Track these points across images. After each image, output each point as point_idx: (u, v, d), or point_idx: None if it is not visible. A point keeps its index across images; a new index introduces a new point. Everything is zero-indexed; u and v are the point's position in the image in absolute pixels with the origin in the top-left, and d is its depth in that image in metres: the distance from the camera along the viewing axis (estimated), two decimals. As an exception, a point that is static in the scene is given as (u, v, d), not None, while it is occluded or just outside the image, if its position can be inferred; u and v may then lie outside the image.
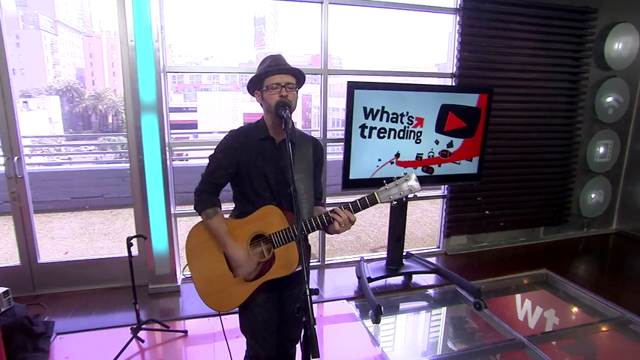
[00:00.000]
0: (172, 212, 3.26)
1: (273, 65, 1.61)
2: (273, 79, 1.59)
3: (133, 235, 2.61)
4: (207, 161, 1.72)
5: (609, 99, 4.40)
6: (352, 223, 1.61)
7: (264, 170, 1.66)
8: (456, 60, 3.83)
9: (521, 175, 4.31)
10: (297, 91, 1.67)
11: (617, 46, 4.25)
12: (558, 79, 4.18)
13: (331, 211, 1.60)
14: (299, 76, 1.66)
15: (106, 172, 6.93)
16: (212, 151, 1.74)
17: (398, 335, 3.17)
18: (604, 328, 3.12)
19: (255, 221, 1.67)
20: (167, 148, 3.12)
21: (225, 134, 1.73)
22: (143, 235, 2.81)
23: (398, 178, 1.61)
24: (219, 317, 2.02)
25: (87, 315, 2.98)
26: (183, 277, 1.83)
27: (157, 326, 2.79)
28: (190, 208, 3.41)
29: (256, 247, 1.69)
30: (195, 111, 33.80)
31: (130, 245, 2.49)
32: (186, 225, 4.90)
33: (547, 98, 4.18)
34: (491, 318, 3.09)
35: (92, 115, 42.91)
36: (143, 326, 2.71)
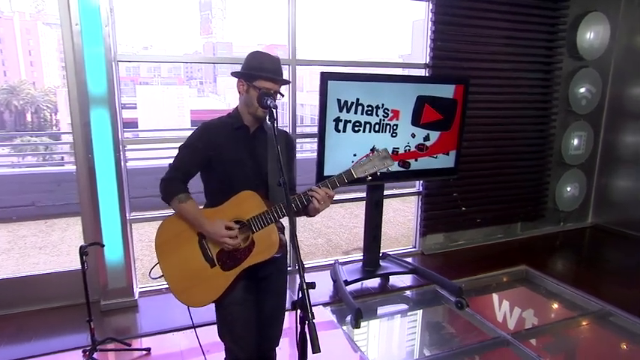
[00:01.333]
0: (128, 218, 3.22)
1: (271, 71, 1.75)
2: (266, 84, 1.73)
3: (83, 244, 2.56)
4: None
5: (582, 90, 4.76)
6: (331, 199, 1.74)
7: (240, 159, 1.79)
8: (429, 50, 4.02)
9: (498, 170, 4.58)
10: None
11: (589, 35, 4.61)
12: (533, 70, 4.49)
13: (309, 190, 1.73)
14: (285, 85, 1.83)
15: (37, 177, 6.64)
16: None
17: (380, 340, 3.31)
18: (585, 322, 3.41)
19: (231, 208, 1.76)
20: (121, 147, 3.09)
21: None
22: (99, 242, 2.76)
23: (369, 154, 1.82)
24: (193, 330, 2.05)
25: (25, 340, 2.87)
26: (151, 279, 1.86)
27: (115, 346, 2.75)
28: (148, 213, 3.43)
29: None
30: (135, 108, 32.42)
31: (84, 255, 2.45)
32: (137, 234, 4.84)
33: (522, 89, 4.47)
34: (473, 317, 3.29)
35: (5, 113, 40.49)
36: (99, 347, 2.67)
